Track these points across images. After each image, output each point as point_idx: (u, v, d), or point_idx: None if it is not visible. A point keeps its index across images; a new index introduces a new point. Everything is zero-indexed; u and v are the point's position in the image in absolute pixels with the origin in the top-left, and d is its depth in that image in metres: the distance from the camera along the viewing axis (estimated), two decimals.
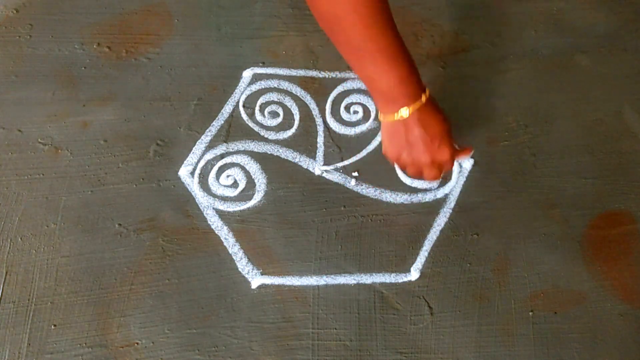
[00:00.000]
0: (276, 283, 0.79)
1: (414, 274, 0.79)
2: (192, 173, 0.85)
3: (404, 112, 0.64)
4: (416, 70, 0.65)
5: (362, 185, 0.85)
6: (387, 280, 0.79)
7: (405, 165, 0.71)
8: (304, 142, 0.88)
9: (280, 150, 0.87)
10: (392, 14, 0.60)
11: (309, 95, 0.91)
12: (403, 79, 0.62)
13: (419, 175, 0.74)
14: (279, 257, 0.80)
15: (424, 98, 0.65)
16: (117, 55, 0.93)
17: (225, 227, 0.81)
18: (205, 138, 0.87)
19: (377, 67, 0.61)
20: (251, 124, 0.89)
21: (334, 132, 0.89)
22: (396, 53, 0.61)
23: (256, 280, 0.79)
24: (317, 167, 0.86)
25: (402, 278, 0.79)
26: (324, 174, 0.86)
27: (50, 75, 0.91)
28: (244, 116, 0.89)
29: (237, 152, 0.87)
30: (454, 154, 0.70)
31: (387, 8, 0.58)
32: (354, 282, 0.79)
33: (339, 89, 0.92)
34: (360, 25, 0.56)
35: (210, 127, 0.88)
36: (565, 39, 0.97)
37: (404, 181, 0.85)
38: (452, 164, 0.72)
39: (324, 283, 0.79)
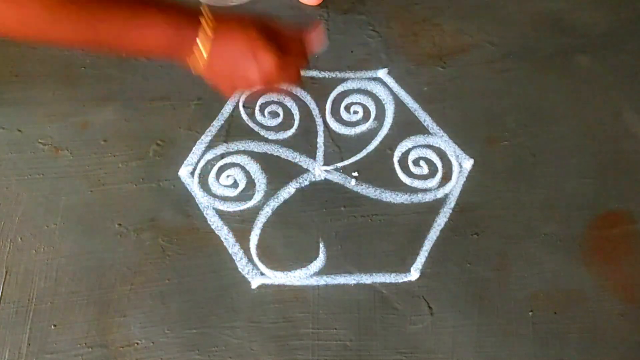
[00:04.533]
0: (276, 283, 0.79)
1: (414, 274, 0.79)
2: (192, 173, 0.85)
3: (203, 49, 0.53)
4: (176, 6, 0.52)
5: (362, 185, 0.85)
6: (387, 280, 0.79)
7: (248, 87, 0.58)
8: (304, 142, 0.88)
9: (280, 150, 0.87)
10: None
11: (309, 95, 0.91)
12: (170, 25, 0.51)
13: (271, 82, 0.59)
14: (279, 257, 0.80)
15: (206, 26, 0.52)
16: (117, 55, 0.93)
17: (225, 227, 0.81)
18: (205, 138, 0.87)
19: (134, 25, 0.49)
20: (251, 124, 0.89)
21: (334, 132, 0.89)
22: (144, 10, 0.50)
23: (256, 280, 0.79)
24: (317, 167, 0.86)
25: (402, 278, 0.79)
26: (324, 174, 0.86)
27: (50, 75, 0.91)
28: (244, 116, 0.89)
29: (237, 152, 0.87)
30: (280, 54, 0.56)
31: None
32: (354, 282, 0.79)
33: (339, 89, 0.92)
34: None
35: (210, 127, 0.88)
36: (565, 39, 0.96)
37: (403, 181, 0.85)
38: (287, 66, 0.57)
39: (324, 283, 0.79)
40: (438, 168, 0.86)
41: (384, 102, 0.91)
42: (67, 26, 0.48)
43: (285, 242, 0.81)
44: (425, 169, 0.86)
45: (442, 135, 0.88)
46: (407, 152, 0.87)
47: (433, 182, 0.85)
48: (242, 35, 0.56)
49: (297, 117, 0.90)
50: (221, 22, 0.54)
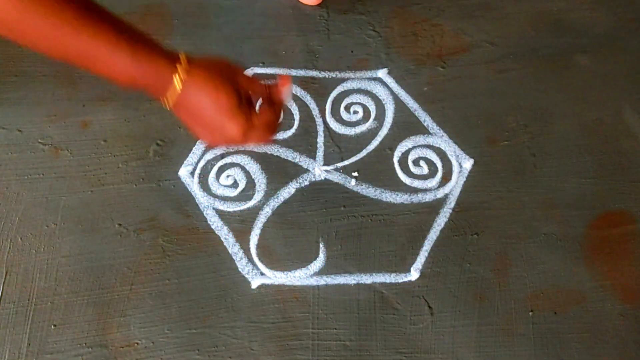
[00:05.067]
0: (276, 283, 0.79)
1: (414, 274, 0.79)
2: (192, 173, 0.85)
3: (169, 100, 0.52)
4: (157, 46, 0.51)
5: (362, 185, 0.85)
6: (387, 280, 0.79)
7: (217, 144, 0.58)
8: (304, 142, 0.88)
9: (280, 150, 0.87)
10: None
11: (309, 95, 0.91)
12: (140, 61, 0.49)
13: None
14: (279, 257, 0.80)
15: (177, 81, 0.50)
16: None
17: (225, 227, 0.81)
18: None
19: (106, 58, 0.48)
20: None
21: (334, 132, 0.89)
22: (116, 35, 0.48)
23: (256, 280, 0.79)
24: (317, 167, 0.86)
25: (402, 278, 0.79)
26: (324, 174, 0.86)
27: (50, 75, 0.91)
28: None
29: (237, 152, 0.87)
30: (250, 119, 0.54)
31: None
32: (354, 282, 0.79)
33: (339, 89, 0.92)
34: (67, 27, 0.45)
35: None
36: (565, 39, 0.97)
37: (404, 181, 0.85)
38: (256, 130, 0.55)
39: (324, 283, 0.79)
40: (438, 168, 0.86)
41: (384, 102, 0.91)
42: (34, 24, 0.45)
43: (285, 242, 0.81)
44: (425, 169, 0.86)
45: (442, 135, 0.88)
46: (407, 152, 0.87)
47: (433, 182, 0.85)
48: (215, 92, 0.52)
49: (297, 117, 0.90)
50: (196, 69, 0.51)
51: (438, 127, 0.89)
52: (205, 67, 0.52)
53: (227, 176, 0.85)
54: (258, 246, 0.81)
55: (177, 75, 0.50)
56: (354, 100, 0.91)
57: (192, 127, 0.54)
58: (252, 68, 0.93)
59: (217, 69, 0.53)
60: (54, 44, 0.47)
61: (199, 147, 0.87)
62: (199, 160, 0.86)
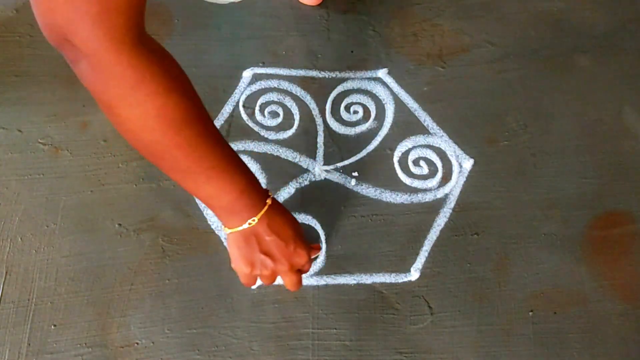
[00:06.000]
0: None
1: (414, 274, 0.79)
2: None
3: (252, 221, 0.60)
4: (253, 176, 0.61)
5: (362, 185, 0.85)
6: (387, 280, 0.79)
7: (261, 276, 0.65)
8: (304, 142, 0.88)
9: (280, 150, 0.87)
10: (213, 124, 0.56)
11: (309, 95, 0.91)
12: (243, 190, 0.59)
13: (272, 282, 0.68)
14: None
15: (269, 201, 0.61)
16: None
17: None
18: None
19: (213, 185, 0.57)
20: (251, 124, 0.89)
21: (334, 132, 0.89)
22: (229, 166, 0.57)
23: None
24: (317, 167, 0.86)
25: (402, 278, 0.79)
26: (324, 174, 0.86)
27: (50, 75, 0.91)
28: (244, 116, 0.89)
29: (237, 152, 0.87)
30: (310, 253, 0.66)
31: (208, 121, 0.55)
32: (354, 282, 0.79)
33: (339, 89, 0.92)
34: (186, 147, 0.53)
35: None
36: (565, 39, 0.97)
37: (403, 181, 0.85)
38: (310, 265, 0.67)
39: (324, 283, 0.79)
40: (438, 168, 0.86)
41: (384, 102, 0.91)
42: (165, 151, 0.53)
43: None
44: (425, 169, 0.86)
45: (442, 135, 0.88)
46: (407, 152, 0.87)
47: (433, 182, 0.85)
48: (293, 221, 0.65)
49: (297, 117, 0.90)
50: (275, 216, 0.63)
51: (438, 127, 0.89)
52: (285, 214, 0.65)
53: None
54: None
55: (269, 200, 0.62)
56: (354, 100, 0.91)
57: (266, 247, 0.62)
58: (252, 68, 0.93)
59: (293, 220, 0.65)
60: (179, 168, 0.55)
61: None
62: None
